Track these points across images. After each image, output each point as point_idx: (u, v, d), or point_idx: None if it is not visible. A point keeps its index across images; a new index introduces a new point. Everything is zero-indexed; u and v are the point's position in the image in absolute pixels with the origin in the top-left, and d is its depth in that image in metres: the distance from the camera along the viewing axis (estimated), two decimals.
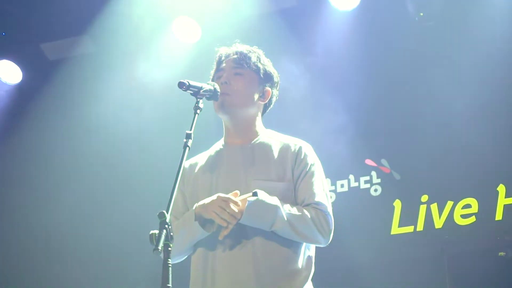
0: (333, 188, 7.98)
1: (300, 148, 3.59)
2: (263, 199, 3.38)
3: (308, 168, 3.54)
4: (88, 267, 8.32)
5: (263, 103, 3.74)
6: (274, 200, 3.39)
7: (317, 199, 3.48)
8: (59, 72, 8.50)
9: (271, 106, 3.86)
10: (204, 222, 3.45)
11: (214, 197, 3.41)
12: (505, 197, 7.32)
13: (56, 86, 8.55)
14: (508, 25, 7.41)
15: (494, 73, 7.43)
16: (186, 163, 3.74)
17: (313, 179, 3.53)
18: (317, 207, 3.46)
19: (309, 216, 3.41)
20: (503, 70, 7.43)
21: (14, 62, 8.57)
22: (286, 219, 3.37)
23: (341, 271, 7.66)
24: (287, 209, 3.39)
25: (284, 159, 3.55)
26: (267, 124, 3.88)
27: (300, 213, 3.40)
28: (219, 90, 3.58)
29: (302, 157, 3.56)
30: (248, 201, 3.36)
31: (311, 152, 3.63)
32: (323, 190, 3.55)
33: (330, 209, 3.52)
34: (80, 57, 8.43)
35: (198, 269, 3.51)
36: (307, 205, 3.47)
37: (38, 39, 8.46)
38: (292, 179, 3.52)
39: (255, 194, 3.39)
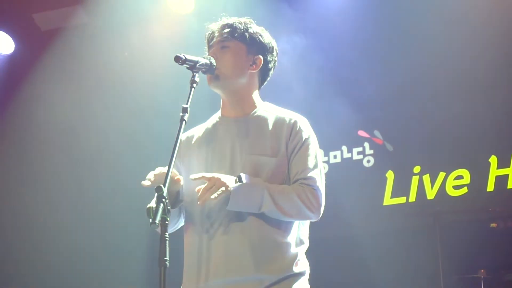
0: (326, 159, 8.02)
1: (295, 122, 3.57)
2: (247, 183, 3.38)
3: (302, 142, 3.51)
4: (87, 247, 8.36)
5: (254, 71, 3.69)
6: (258, 183, 3.40)
7: (307, 174, 3.47)
8: (52, 42, 8.46)
9: (269, 76, 3.81)
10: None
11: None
12: (497, 168, 7.36)
13: (48, 57, 8.50)
14: None
15: (487, 45, 7.45)
16: (183, 136, 3.75)
17: (306, 154, 3.51)
18: (305, 183, 3.43)
19: (296, 194, 3.38)
20: (493, 42, 7.45)
21: (6, 33, 8.54)
22: (272, 201, 3.37)
23: (334, 241, 7.70)
24: (272, 190, 3.39)
25: (279, 134, 3.53)
26: (262, 96, 3.86)
27: (286, 193, 3.39)
28: (215, 64, 3.58)
29: (296, 131, 3.53)
30: (232, 187, 3.36)
31: (306, 127, 3.60)
32: (316, 165, 3.53)
33: (320, 184, 3.49)
34: (73, 28, 8.38)
35: (193, 243, 3.52)
36: (297, 180, 3.47)
37: (30, 9, 8.41)
38: (286, 154, 3.51)
39: (239, 179, 3.39)
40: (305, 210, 3.41)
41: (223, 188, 3.32)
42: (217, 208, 3.42)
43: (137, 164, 7.69)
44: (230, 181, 3.37)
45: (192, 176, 3.40)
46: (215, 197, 3.30)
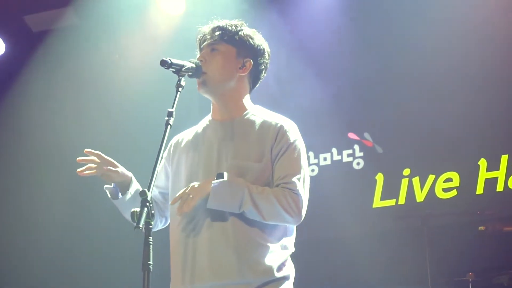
0: (316, 161, 8.02)
1: (281, 126, 3.54)
2: (228, 181, 3.39)
3: (286, 147, 3.50)
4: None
5: (243, 74, 3.67)
6: (239, 181, 3.40)
7: (289, 178, 3.44)
8: (43, 44, 8.47)
9: (260, 79, 3.78)
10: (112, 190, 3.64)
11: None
12: (486, 171, 7.38)
13: (39, 58, 8.51)
14: None
15: (477, 48, 7.47)
16: (174, 139, 3.77)
17: (290, 158, 3.49)
18: (286, 187, 3.42)
19: (275, 196, 3.36)
20: (484, 44, 7.47)
21: None
22: (251, 200, 3.36)
23: (323, 243, 7.72)
24: (252, 190, 3.39)
25: (264, 138, 3.52)
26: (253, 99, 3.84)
27: (265, 194, 3.38)
28: (201, 67, 3.58)
29: (281, 136, 3.50)
30: (213, 183, 3.37)
31: (292, 131, 3.57)
32: (299, 170, 3.49)
33: (301, 188, 3.46)
34: (64, 29, 8.40)
35: (178, 245, 3.52)
36: (278, 184, 3.46)
37: (21, 11, 8.41)
38: (270, 159, 3.50)
39: (220, 176, 3.40)
40: (283, 214, 3.39)
41: (200, 192, 3.36)
42: (202, 209, 3.42)
43: (126, 166, 7.67)
44: (206, 183, 3.40)
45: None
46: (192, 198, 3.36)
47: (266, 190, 3.40)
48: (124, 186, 3.64)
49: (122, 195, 3.63)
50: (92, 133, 8.33)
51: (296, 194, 3.42)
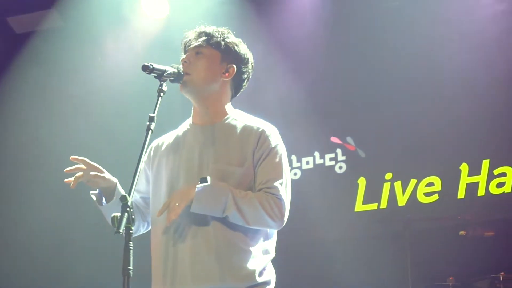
0: (298, 165, 8.03)
1: (262, 131, 3.56)
2: (212, 185, 3.40)
3: (268, 151, 3.51)
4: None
5: (226, 79, 3.67)
6: (223, 185, 3.42)
7: (271, 183, 3.46)
8: (26, 45, 8.46)
9: (242, 88, 3.80)
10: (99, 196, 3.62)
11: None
12: (468, 176, 7.41)
13: (23, 59, 8.49)
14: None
15: (460, 51, 7.49)
16: (154, 142, 3.77)
17: (271, 163, 3.51)
18: (269, 191, 3.44)
19: (258, 201, 3.39)
20: (466, 48, 7.50)
21: None
22: (235, 205, 3.38)
23: (305, 247, 7.73)
24: (236, 195, 3.41)
25: (245, 143, 3.54)
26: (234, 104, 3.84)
27: (248, 198, 3.40)
28: (183, 72, 3.58)
29: (263, 141, 3.52)
30: (197, 187, 3.38)
31: (273, 136, 3.58)
32: (281, 175, 3.51)
33: (284, 193, 3.48)
34: (48, 31, 8.38)
35: (159, 248, 3.53)
36: (261, 189, 3.47)
37: (5, 12, 8.40)
38: (252, 164, 3.52)
39: (203, 180, 3.41)
40: (266, 218, 3.40)
41: (185, 198, 3.37)
42: (184, 214, 3.42)
43: (108, 169, 7.65)
44: (189, 189, 3.40)
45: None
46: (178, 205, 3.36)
47: (249, 195, 3.42)
48: (109, 191, 3.62)
49: (106, 201, 3.62)
50: (76, 135, 8.32)
51: (278, 199, 3.44)
